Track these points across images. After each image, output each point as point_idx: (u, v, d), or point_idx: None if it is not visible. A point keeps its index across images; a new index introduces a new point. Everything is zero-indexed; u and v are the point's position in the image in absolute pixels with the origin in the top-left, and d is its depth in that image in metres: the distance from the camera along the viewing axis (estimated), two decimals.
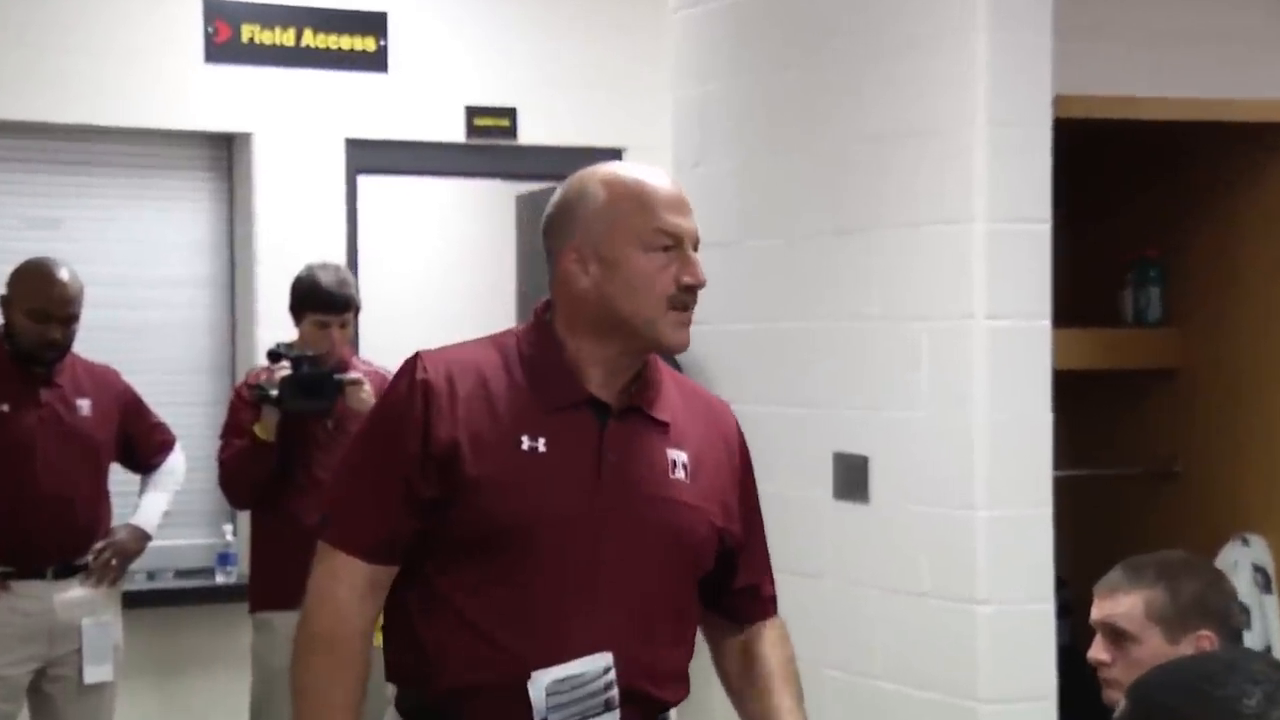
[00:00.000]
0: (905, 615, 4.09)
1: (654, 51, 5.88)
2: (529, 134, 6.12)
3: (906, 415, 4.11)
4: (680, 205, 2.21)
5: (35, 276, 4.50)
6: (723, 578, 2.35)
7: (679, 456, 2.25)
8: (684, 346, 2.21)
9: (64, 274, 4.51)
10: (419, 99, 6.00)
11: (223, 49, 5.73)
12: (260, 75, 5.79)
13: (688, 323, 2.21)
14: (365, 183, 6.18)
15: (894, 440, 4.15)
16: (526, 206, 6.83)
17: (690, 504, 2.24)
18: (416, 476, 2.18)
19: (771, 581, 2.44)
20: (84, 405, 4.56)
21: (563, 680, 2.16)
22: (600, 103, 6.17)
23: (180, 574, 5.77)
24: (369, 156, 6.00)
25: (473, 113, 6.06)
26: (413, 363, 2.24)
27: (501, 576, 2.18)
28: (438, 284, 7.65)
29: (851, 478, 4.28)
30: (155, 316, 5.75)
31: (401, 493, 2.19)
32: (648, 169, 2.27)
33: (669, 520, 2.23)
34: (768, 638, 2.38)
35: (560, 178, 7.26)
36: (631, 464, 2.22)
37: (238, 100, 5.77)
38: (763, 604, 2.41)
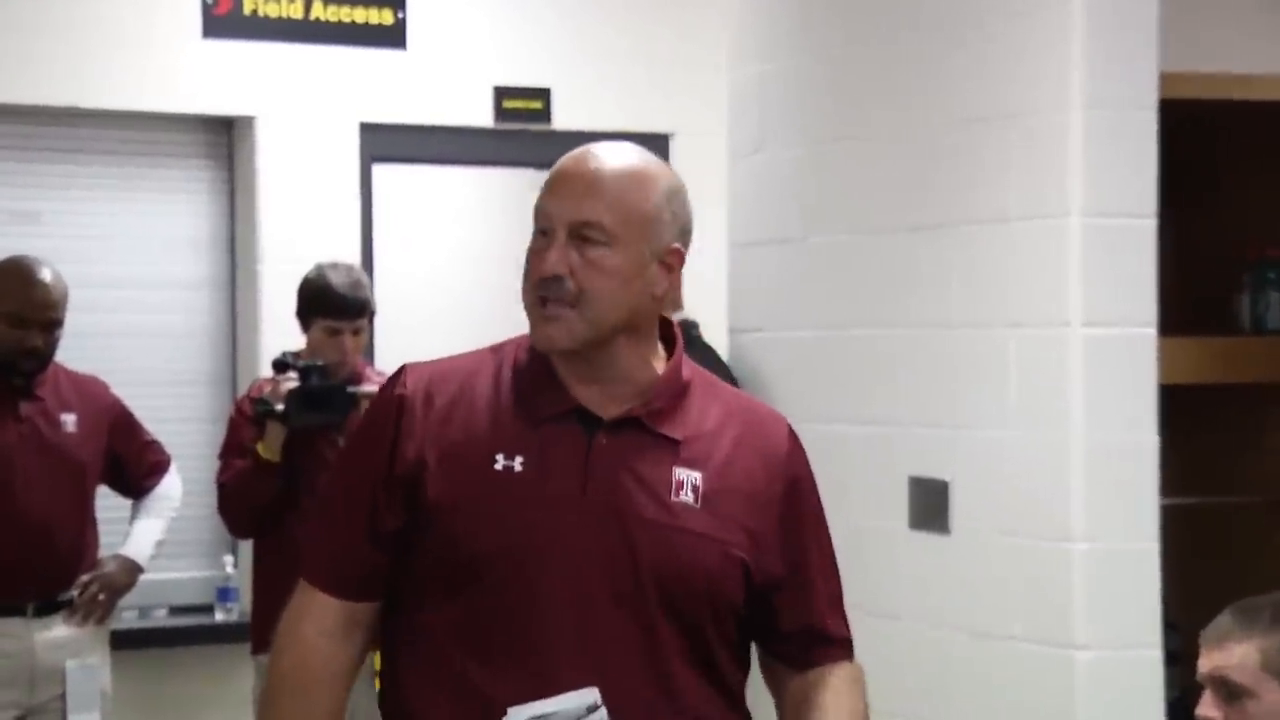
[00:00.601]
0: (992, 661, 4.06)
1: (706, 24, 5.86)
2: (565, 118, 6.10)
3: (993, 435, 4.08)
4: (563, 184, 2.22)
5: (13, 277, 4.51)
6: (767, 619, 2.33)
7: (689, 477, 2.24)
8: (545, 346, 2.23)
9: (45, 274, 4.52)
10: (441, 78, 6.00)
11: (222, 22, 5.74)
12: (264, 52, 5.79)
13: (548, 318, 2.21)
14: (381, 172, 6.17)
15: (978, 463, 4.11)
16: None
17: (696, 531, 2.23)
18: (381, 502, 2.24)
19: (840, 622, 2.39)
20: (68, 421, 4.57)
21: (537, 719, 2.16)
22: (645, 82, 6.15)
23: (175, 611, 5.77)
24: (385, 143, 6.00)
25: (502, 94, 6.05)
26: (395, 377, 2.30)
27: (479, 612, 2.20)
28: (462, 285, 7.64)
29: (930, 505, 4.25)
30: (148, 321, 5.75)
31: (367, 520, 2.25)
32: (603, 146, 2.28)
33: (665, 548, 2.22)
34: (831, 684, 2.33)
35: None
36: (623, 484, 2.22)
37: (239, 80, 5.77)
38: (825, 648, 2.36)
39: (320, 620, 2.26)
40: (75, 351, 4.79)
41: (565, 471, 2.21)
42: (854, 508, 4.35)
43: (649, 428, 2.25)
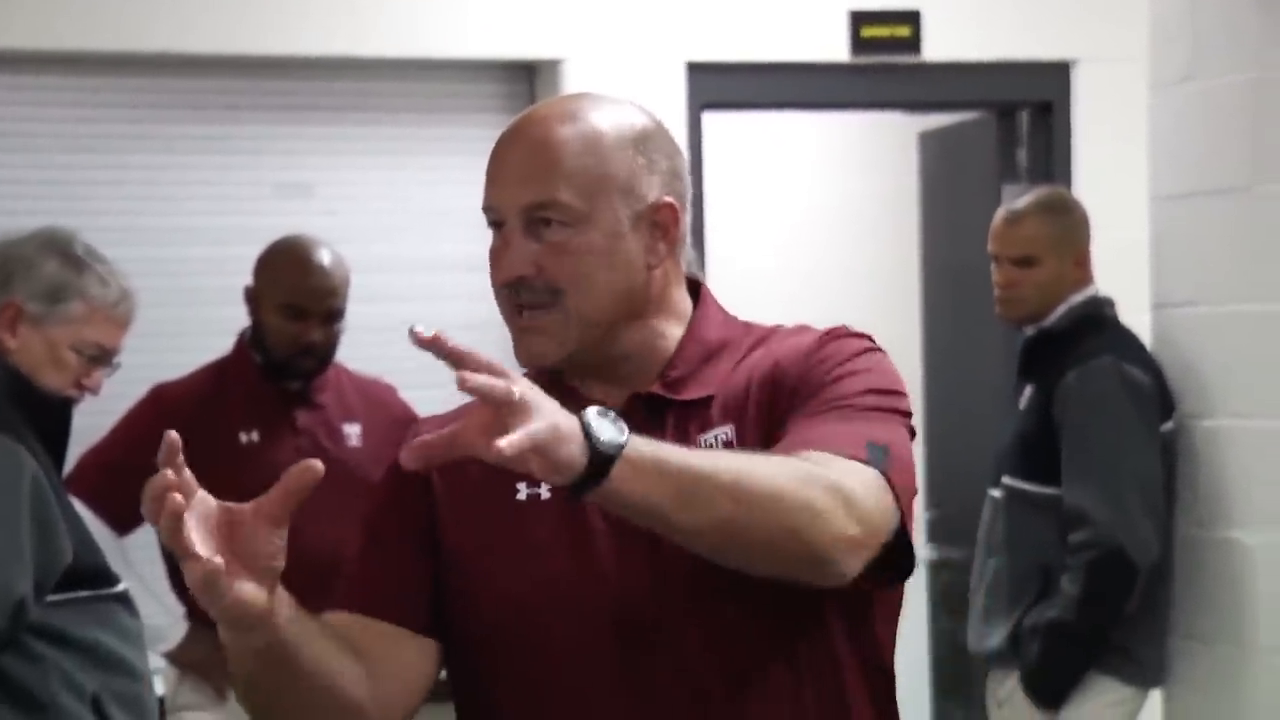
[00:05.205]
0: None
1: None
2: (937, 47, 6.03)
3: None
4: (503, 165, 2.23)
5: (285, 261, 4.58)
6: None
7: (718, 436, 2.24)
8: (531, 363, 2.24)
9: (323, 257, 4.58)
10: (785, 5, 5.95)
11: None
12: None
13: (526, 328, 2.23)
14: (713, 120, 6.16)
15: None
16: (933, 147, 6.71)
17: None
18: (411, 514, 2.31)
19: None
20: (352, 432, 4.63)
21: None
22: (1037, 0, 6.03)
23: None
24: (717, 86, 6.00)
25: (859, 20, 5.99)
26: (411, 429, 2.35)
27: (524, 672, 2.23)
28: (812, 255, 7.60)
29: None
30: (441, 311, 5.81)
31: (397, 532, 2.33)
32: (542, 106, 2.28)
33: None
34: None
35: (980, 106, 7.12)
36: None
37: (541, 16, 5.80)
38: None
39: None
40: (356, 349, 4.85)
41: None
42: None
43: (671, 399, 2.26)
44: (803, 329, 2.32)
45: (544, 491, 2.22)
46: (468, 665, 2.29)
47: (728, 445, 2.22)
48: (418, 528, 2.29)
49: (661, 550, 2.16)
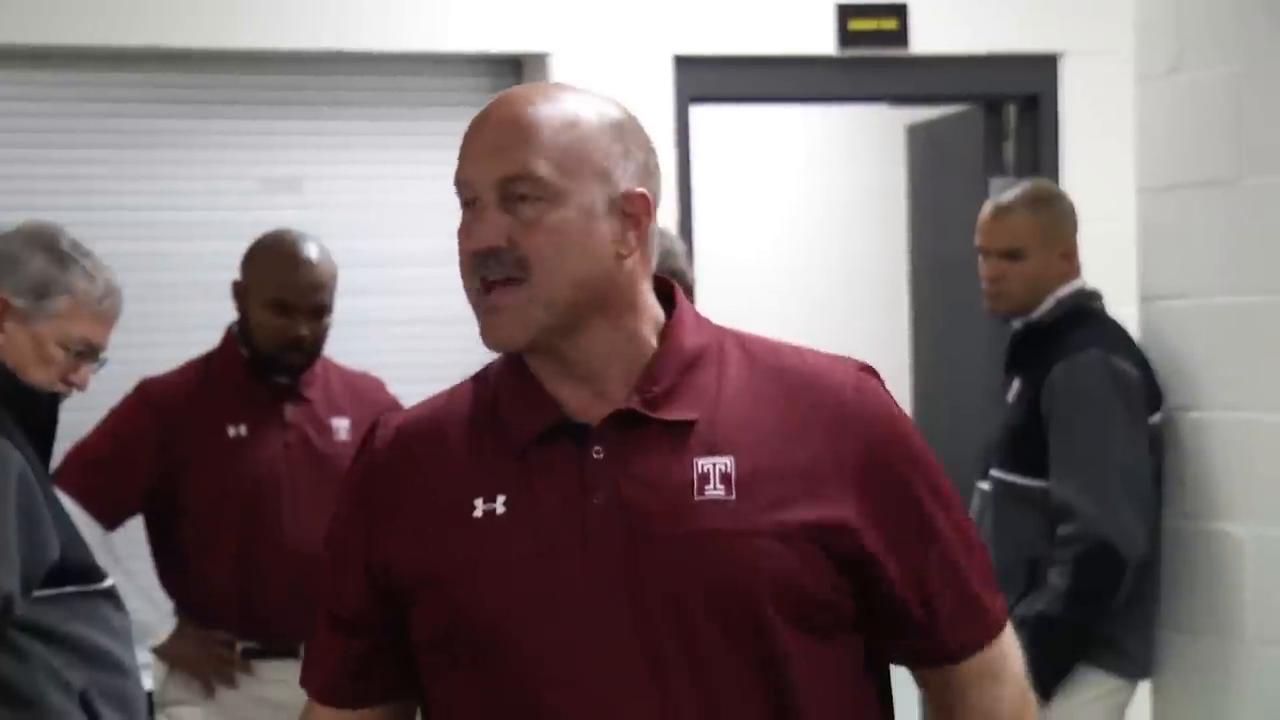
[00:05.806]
0: None
1: None
2: (924, 40, 6.02)
3: None
4: (480, 140, 2.18)
5: (273, 256, 4.57)
6: (878, 615, 2.26)
7: (716, 465, 2.18)
8: (497, 344, 2.18)
9: (310, 251, 4.57)
10: None
11: None
12: None
13: (489, 308, 2.16)
14: (701, 114, 6.15)
15: None
16: (921, 141, 6.71)
17: (735, 530, 2.15)
18: (338, 586, 2.29)
19: (970, 601, 2.28)
20: (340, 427, 4.62)
21: None
22: None
23: None
24: (705, 79, 5.99)
25: (847, 13, 5.98)
26: (365, 438, 2.31)
27: (490, 692, 2.19)
28: (799, 246, 7.61)
29: None
30: (429, 306, 5.81)
31: (327, 608, 2.30)
32: (520, 88, 2.24)
33: (701, 561, 2.15)
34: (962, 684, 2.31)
35: (967, 99, 7.11)
36: (631, 499, 2.17)
37: (527, 9, 5.79)
38: (948, 629, 2.29)
39: None
40: (344, 344, 4.85)
41: (558, 502, 2.17)
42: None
43: (651, 418, 2.19)
44: (816, 369, 2.25)
45: (499, 507, 2.18)
46: (435, 684, 2.26)
47: (725, 478, 2.17)
48: (359, 607, 2.27)
49: (638, 564, 2.14)
